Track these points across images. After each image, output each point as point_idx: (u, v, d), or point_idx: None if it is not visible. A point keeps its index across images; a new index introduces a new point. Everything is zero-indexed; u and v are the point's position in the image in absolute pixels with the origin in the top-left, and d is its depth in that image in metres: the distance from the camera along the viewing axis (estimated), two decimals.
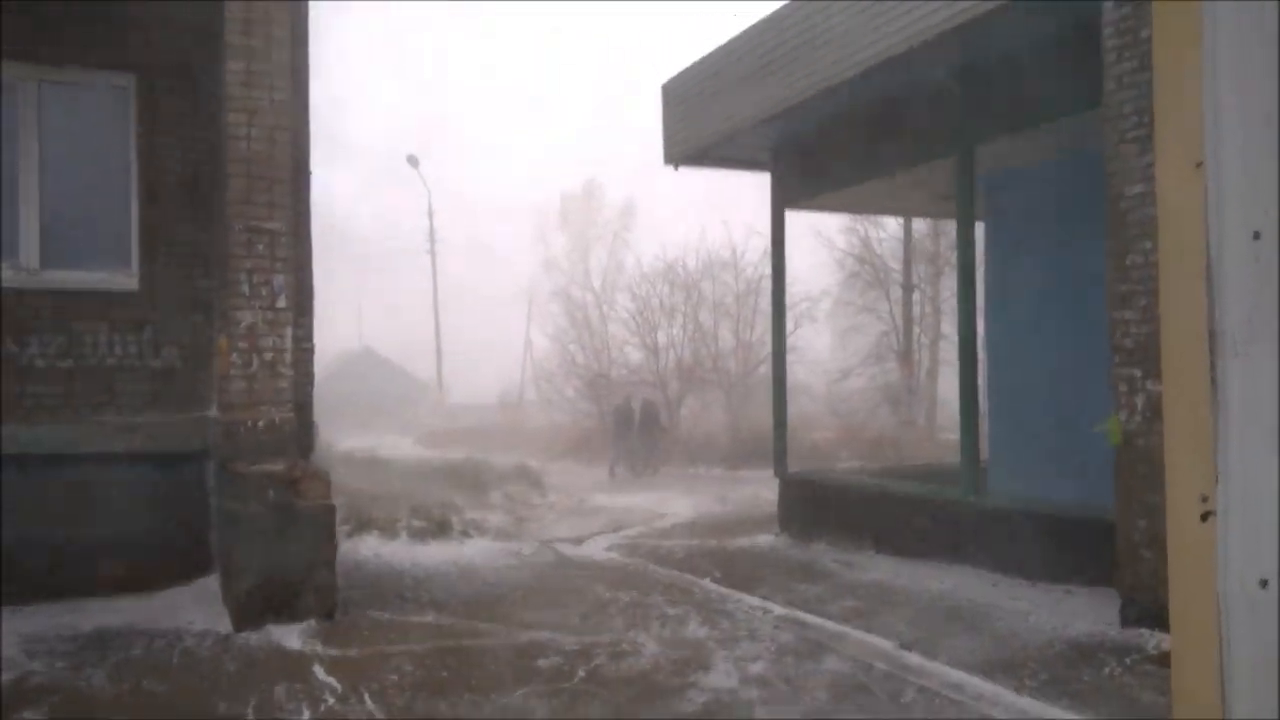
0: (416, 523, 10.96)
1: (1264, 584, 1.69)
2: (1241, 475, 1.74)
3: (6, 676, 5.18)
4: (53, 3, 6.70)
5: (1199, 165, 1.79)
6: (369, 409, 44.88)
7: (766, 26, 9.44)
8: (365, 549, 9.53)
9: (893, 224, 24.68)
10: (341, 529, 9.62)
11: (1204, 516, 1.77)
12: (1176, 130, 1.88)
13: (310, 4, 7.22)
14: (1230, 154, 1.76)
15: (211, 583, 6.96)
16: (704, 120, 10.54)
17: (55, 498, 6.68)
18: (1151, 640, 5.74)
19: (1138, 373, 6.03)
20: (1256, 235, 1.72)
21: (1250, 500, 1.73)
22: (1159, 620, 5.65)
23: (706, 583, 8.00)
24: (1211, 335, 1.75)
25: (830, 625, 6.48)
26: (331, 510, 6.36)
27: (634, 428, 21.77)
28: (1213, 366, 1.75)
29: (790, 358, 15.26)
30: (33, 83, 6.81)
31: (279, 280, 6.17)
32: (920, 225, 23.79)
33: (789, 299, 14.17)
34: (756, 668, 5.42)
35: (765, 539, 10.48)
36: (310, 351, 7.01)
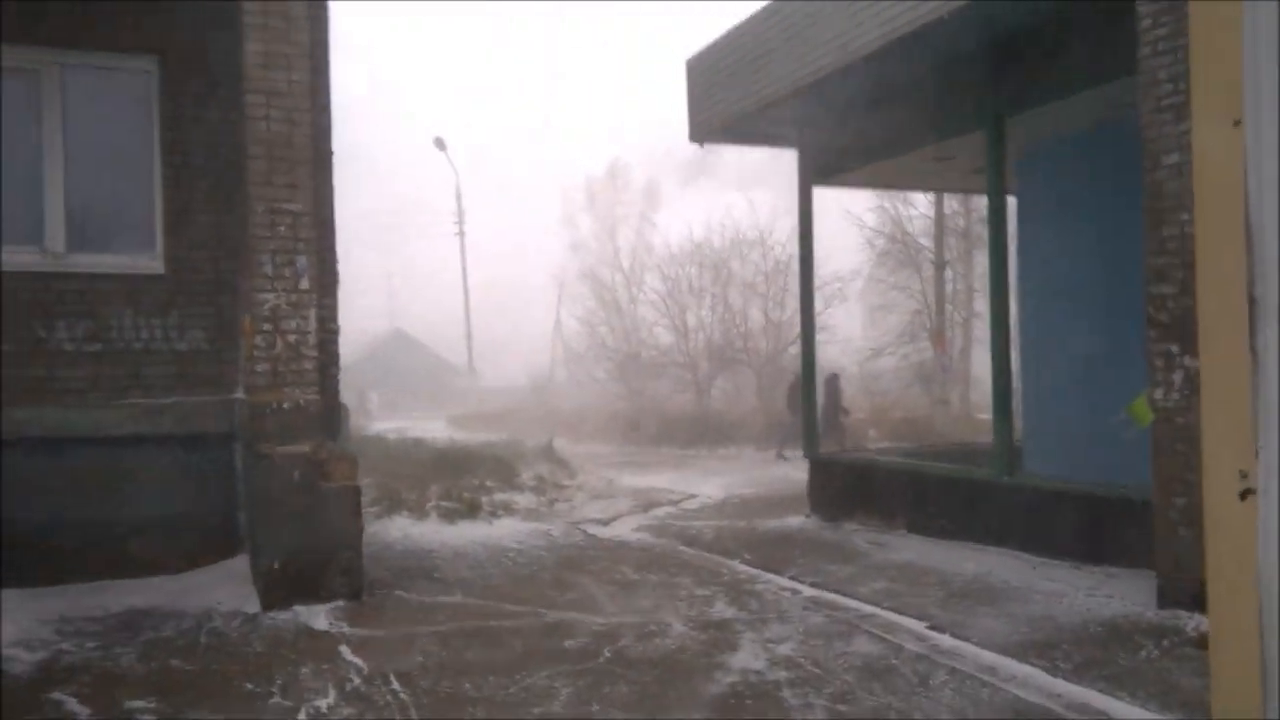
0: (446, 504, 11.01)
1: None
2: None
3: (38, 656, 5.24)
4: None
5: (1237, 124, 1.69)
6: (400, 390, 45.20)
7: None
8: (395, 530, 9.57)
9: (923, 201, 24.40)
10: (371, 510, 9.68)
11: (1243, 495, 1.69)
12: (1214, 87, 1.77)
13: None
14: (1270, 111, 1.66)
15: (240, 563, 7.01)
16: (729, 96, 10.39)
17: (85, 479, 6.74)
18: (1190, 622, 5.62)
19: (1175, 348, 5.88)
20: None
21: None
22: (1197, 601, 5.53)
23: (735, 564, 7.94)
24: (1251, 302, 1.65)
25: (861, 606, 6.40)
26: (357, 491, 6.37)
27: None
28: (1252, 335, 1.66)
29: (821, 337, 15.14)
30: (55, 67, 6.83)
31: (302, 261, 6.15)
32: (951, 201, 23.48)
33: (819, 279, 14.04)
34: (784, 649, 5.36)
35: (795, 520, 10.42)
36: (335, 333, 7.00)
